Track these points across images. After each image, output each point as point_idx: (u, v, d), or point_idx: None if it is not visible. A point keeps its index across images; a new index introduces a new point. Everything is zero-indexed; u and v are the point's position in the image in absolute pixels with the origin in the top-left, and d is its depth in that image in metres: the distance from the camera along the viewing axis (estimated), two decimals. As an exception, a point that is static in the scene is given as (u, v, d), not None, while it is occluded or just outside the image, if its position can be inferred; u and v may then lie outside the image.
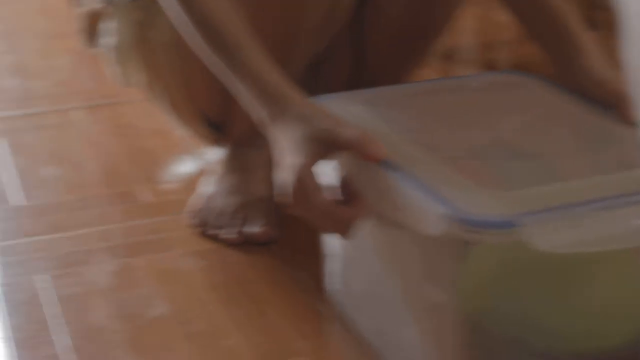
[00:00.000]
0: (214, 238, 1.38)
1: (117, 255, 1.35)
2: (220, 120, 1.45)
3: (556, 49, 1.23)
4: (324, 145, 1.02)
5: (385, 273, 1.08)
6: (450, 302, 0.96)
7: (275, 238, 1.36)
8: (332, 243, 1.19)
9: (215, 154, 1.50)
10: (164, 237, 1.39)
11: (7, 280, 1.28)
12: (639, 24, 0.59)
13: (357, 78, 1.49)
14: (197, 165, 1.61)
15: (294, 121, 1.04)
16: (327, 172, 1.06)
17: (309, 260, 1.30)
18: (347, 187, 1.05)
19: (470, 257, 0.98)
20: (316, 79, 1.48)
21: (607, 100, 1.14)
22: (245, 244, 1.36)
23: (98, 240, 1.40)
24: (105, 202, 1.50)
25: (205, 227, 1.39)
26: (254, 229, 1.37)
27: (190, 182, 1.54)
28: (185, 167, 1.62)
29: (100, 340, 1.16)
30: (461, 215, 0.91)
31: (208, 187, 1.43)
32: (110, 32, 1.46)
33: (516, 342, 0.98)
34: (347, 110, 1.13)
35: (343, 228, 1.03)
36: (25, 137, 1.73)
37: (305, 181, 1.01)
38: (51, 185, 1.55)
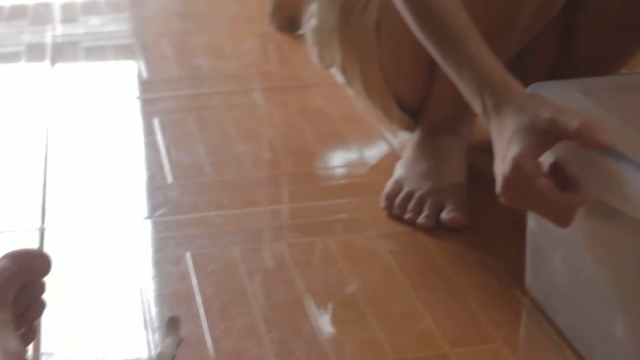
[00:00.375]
0: (406, 221, 1.37)
1: (307, 233, 1.35)
2: (415, 105, 1.45)
3: None
4: (546, 134, 1.01)
5: (596, 264, 1.05)
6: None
7: (467, 225, 1.34)
8: (533, 232, 1.17)
9: (407, 139, 1.49)
10: (356, 217, 1.39)
11: (198, 251, 1.30)
12: None
13: (560, 68, 1.46)
14: (387, 150, 1.60)
15: (516, 111, 1.04)
16: (545, 162, 1.04)
17: (502, 246, 1.29)
18: (567, 175, 1.03)
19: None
20: (523, 64, 1.46)
21: None
22: (436, 229, 1.35)
23: (289, 217, 1.41)
24: (295, 181, 1.51)
25: (397, 210, 1.38)
26: (446, 214, 1.35)
27: (382, 166, 1.53)
28: (375, 151, 1.61)
29: (292, 314, 1.17)
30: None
31: (401, 171, 1.43)
32: (313, 14, 1.47)
33: None
34: (564, 98, 1.10)
35: (564, 216, 1.00)
36: (215, 115, 1.76)
37: (524, 170, 1.00)
38: (242, 162, 1.57)
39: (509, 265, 1.25)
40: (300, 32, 1.55)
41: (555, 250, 1.12)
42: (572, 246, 1.09)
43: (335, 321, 1.16)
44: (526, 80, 1.45)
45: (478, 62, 1.10)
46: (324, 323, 1.16)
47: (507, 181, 1.02)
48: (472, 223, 1.35)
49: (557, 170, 1.04)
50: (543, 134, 1.01)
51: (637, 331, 0.99)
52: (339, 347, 1.11)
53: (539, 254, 1.16)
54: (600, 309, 1.04)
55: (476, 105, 1.10)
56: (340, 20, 1.45)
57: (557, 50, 1.47)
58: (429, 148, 1.43)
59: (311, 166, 1.57)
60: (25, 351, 0.98)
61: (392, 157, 1.52)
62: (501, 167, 1.03)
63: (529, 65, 1.47)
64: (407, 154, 1.46)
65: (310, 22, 1.49)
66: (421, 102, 1.44)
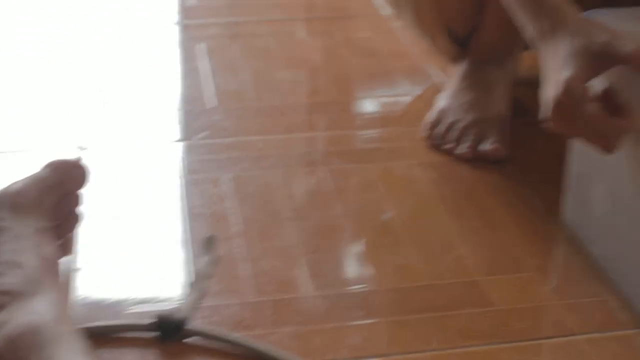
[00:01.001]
0: (446, 151, 1.37)
1: (349, 160, 1.36)
2: (464, 35, 1.44)
3: None
4: (600, 58, 1.00)
5: (636, 194, 1.05)
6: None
7: (507, 157, 1.35)
8: (575, 162, 1.17)
9: (454, 70, 1.49)
10: (397, 146, 1.40)
11: (239, 174, 1.32)
12: None
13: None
14: (430, 84, 1.60)
15: (570, 35, 1.03)
16: (596, 87, 1.04)
17: (541, 181, 1.29)
18: (616, 100, 1.03)
19: None
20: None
21: None
22: (476, 160, 1.35)
23: (330, 144, 1.41)
24: (340, 109, 1.52)
25: (438, 140, 1.39)
26: (487, 145, 1.35)
27: (424, 98, 1.53)
28: (419, 84, 1.61)
29: (329, 238, 1.18)
30: None
31: (445, 101, 1.43)
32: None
33: None
34: (619, 25, 1.09)
35: (610, 142, 1.00)
36: (259, 42, 1.76)
37: (574, 93, 0.99)
38: (285, 89, 1.58)
39: (546, 199, 1.25)
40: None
41: (596, 181, 1.12)
42: (614, 177, 1.09)
43: (371, 246, 1.18)
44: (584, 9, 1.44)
45: None
46: (360, 247, 1.17)
47: (557, 103, 1.01)
48: (512, 156, 1.35)
49: (608, 96, 1.03)
50: (597, 58, 1.01)
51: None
52: (374, 271, 1.13)
53: (579, 184, 1.16)
54: (637, 239, 1.04)
55: (532, 28, 1.08)
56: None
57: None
58: (474, 79, 1.43)
59: (353, 95, 1.57)
60: (59, 258, 1.00)
61: (434, 91, 1.52)
62: (551, 90, 1.02)
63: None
64: (451, 84, 1.45)
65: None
66: (470, 32, 1.43)
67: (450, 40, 1.44)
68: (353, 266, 1.14)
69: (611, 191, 1.10)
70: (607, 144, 1.00)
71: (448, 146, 1.37)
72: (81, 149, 1.36)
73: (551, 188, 1.24)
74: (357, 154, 1.38)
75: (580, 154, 1.15)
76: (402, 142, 1.41)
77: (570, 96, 1.00)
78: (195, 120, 1.47)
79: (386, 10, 1.53)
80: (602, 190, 1.11)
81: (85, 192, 1.06)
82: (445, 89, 1.46)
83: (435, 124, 1.40)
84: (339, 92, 1.57)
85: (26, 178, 1.02)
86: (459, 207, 1.25)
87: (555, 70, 1.03)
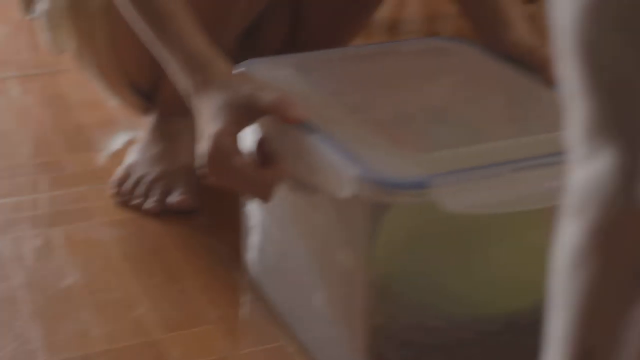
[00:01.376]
0: (134, 207, 1.33)
1: (38, 225, 1.30)
2: (148, 88, 1.41)
3: (485, 25, 1.21)
4: (245, 110, 1.00)
5: (299, 239, 1.05)
6: (361, 267, 0.93)
7: (196, 207, 1.32)
8: (251, 212, 1.15)
9: (144, 123, 1.45)
10: (86, 206, 1.35)
11: None
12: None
13: (295, 39, 1.45)
14: (127, 136, 1.56)
15: (216, 89, 1.03)
16: (247, 138, 1.03)
17: (229, 230, 1.27)
18: (265, 151, 1.03)
19: (383, 221, 0.94)
20: (255, 39, 1.45)
21: (533, 66, 1.13)
22: (165, 213, 1.32)
23: (15, 210, 1.35)
24: (32, 172, 1.45)
25: (126, 197, 1.35)
26: (174, 197, 1.32)
27: (120, 153, 1.49)
28: (115, 137, 1.57)
29: (8, 310, 1.12)
30: (371, 176, 0.88)
31: (134, 156, 1.39)
32: (42, -2, 1.41)
33: (423, 307, 0.94)
34: (274, 74, 1.10)
35: (263, 191, 1.00)
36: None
37: (223, 147, 0.99)
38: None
39: (233, 248, 1.23)
40: (29, 17, 1.49)
41: (266, 228, 1.12)
42: (279, 223, 1.08)
43: (48, 315, 1.12)
44: (265, 51, 1.45)
45: (185, 43, 1.08)
46: (36, 318, 1.11)
47: (209, 158, 1.00)
48: (202, 207, 1.33)
49: (260, 147, 1.03)
50: (242, 110, 1.01)
51: (330, 303, 0.99)
52: (48, 342, 1.07)
53: (256, 232, 1.15)
54: (303, 284, 1.04)
55: (184, 85, 1.08)
56: (71, 3, 1.40)
57: (289, 25, 1.46)
58: (161, 131, 1.40)
59: (46, 156, 1.50)
60: None
61: (131, 144, 1.48)
62: (201, 146, 1.02)
63: (262, 40, 1.45)
64: (141, 138, 1.42)
65: (40, 5, 1.43)
66: (155, 84, 1.41)
67: (135, 93, 1.41)
68: (27, 339, 1.08)
69: (277, 237, 1.09)
70: (261, 193, 1.00)
71: (136, 202, 1.34)
72: None
73: (238, 237, 1.22)
74: (45, 218, 1.32)
75: (254, 203, 1.14)
76: (90, 202, 1.36)
77: (219, 150, 0.99)
78: None
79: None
80: (271, 237, 1.10)
81: None
82: (136, 143, 1.43)
83: (124, 179, 1.36)
84: (29, 155, 1.51)
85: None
86: (144, 265, 1.21)
87: (206, 124, 1.02)
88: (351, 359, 0.96)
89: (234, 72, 1.07)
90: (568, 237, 0.64)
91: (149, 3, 1.11)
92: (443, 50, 1.22)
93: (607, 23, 0.57)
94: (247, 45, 1.43)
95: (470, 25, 1.24)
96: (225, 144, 0.99)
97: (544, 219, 0.91)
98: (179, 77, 1.08)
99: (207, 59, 1.06)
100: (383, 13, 2.06)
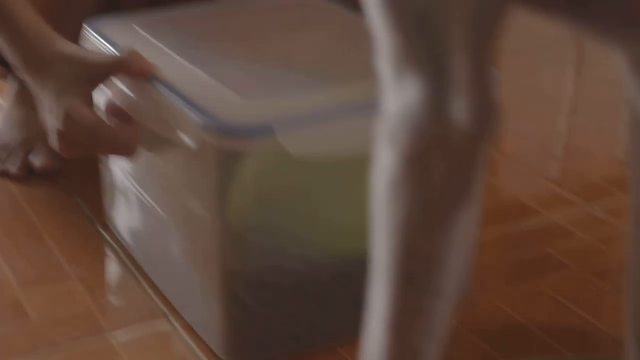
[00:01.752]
0: (1, 174, 1.34)
1: None
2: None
3: None
4: (92, 77, 1.01)
5: (155, 192, 1.07)
6: (214, 215, 0.95)
7: (59, 169, 1.33)
8: (111, 169, 1.17)
9: (6, 89, 1.45)
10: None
11: None
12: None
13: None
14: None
15: (55, 63, 1.02)
16: (99, 100, 1.04)
17: (93, 189, 1.27)
18: (119, 110, 1.04)
19: (235, 170, 0.97)
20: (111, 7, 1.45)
21: None
22: (31, 177, 1.32)
23: None
24: None
25: (-8, 165, 1.35)
26: (38, 161, 1.33)
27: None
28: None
29: None
30: (217, 124, 0.91)
31: (-1, 124, 1.39)
32: None
33: (277, 251, 0.97)
34: (125, 31, 1.11)
35: (126, 150, 1.01)
36: None
37: (84, 121, 0.99)
38: None
39: (96, 205, 1.24)
40: None
41: (125, 183, 1.13)
42: (136, 177, 1.10)
43: None
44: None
45: (18, 18, 1.06)
46: None
47: (63, 135, 1.01)
48: (66, 168, 1.34)
49: (112, 107, 1.04)
50: (90, 79, 1.01)
51: (186, 252, 1.02)
52: None
53: (115, 189, 1.17)
54: (162, 235, 1.06)
55: (18, 61, 1.06)
56: None
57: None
58: (23, 97, 1.39)
59: None
60: None
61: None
62: (53, 122, 1.01)
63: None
64: (4, 104, 1.42)
65: None
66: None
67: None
68: None
69: (137, 192, 1.11)
70: (125, 152, 1.01)
71: (1, 167, 1.34)
72: None
73: (100, 197, 1.24)
74: None
75: (113, 160, 1.16)
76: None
77: (75, 127, 0.99)
78: None
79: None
80: (131, 192, 1.13)
81: None
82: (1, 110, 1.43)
83: (-11, 146, 1.36)
84: None
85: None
86: (7, 226, 1.22)
87: (51, 100, 1.01)
88: (209, 304, 0.99)
89: (70, 44, 1.05)
90: (384, 166, 0.67)
91: None
92: (297, 4, 1.24)
93: None
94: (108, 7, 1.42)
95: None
96: (83, 118, 0.99)
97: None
98: (13, 54, 1.06)
99: (42, 32, 1.05)
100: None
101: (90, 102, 1.01)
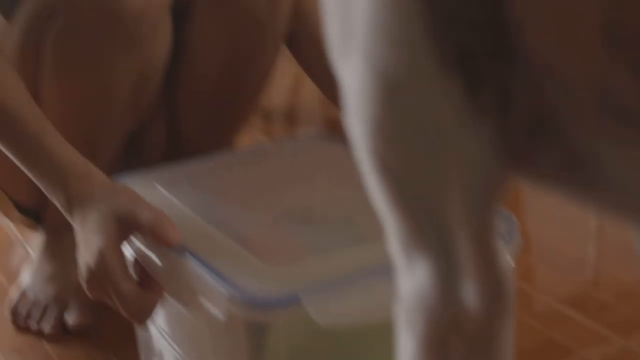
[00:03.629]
0: (34, 332, 1.33)
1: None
2: (34, 206, 1.41)
3: None
4: (126, 225, 1.01)
5: (189, 355, 1.06)
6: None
7: (93, 326, 1.32)
8: (145, 326, 1.16)
9: (36, 241, 1.45)
10: (-18, 334, 1.34)
11: None
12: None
13: (174, 147, 1.46)
14: (23, 254, 1.56)
15: (95, 201, 1.03)
16: (126, 255, 1.04)
17: (127, 345, 1.26)
18: (143, 270, 1.03)
19: (266, 338, 0.96)
20: (135, 149, 1.46)
21: None
22: (64, 334, 1.31)
23: None
24: None
25: (24, 320, 1.34)
26: (70, 318, 1.32)
27: (16, 273, 1.48)
28: (11, 256, 1.57)
29: None
30: (243, 296, 0.90)
31: (27, 277, 1.39)
32: None
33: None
34: (145, 189, 1.11)
35: (139, 314, 1.00)
36: None
37: (110, 264, 0.99)
38: None
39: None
40: None
41: (160, 342, 1.12)
42: (170, 337, 1.09)
43: None
44: (145, 162, 1.45)
45: (58, 157, 1.07)
46: None
47: (91, 273, 1.01)
48: (98, 323, 1.33)
49: (138, 267, 1.04)
50: (124, 224, 1.01)
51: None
52: None
53: (149, 346, 1.16)
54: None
55: (59, 200, 1.07)
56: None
57: (168, 135, 1.46)
58: (52, 250, 1.39)
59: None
60: None
61: (27, 262, 1.47)
62: (85, 257, 1.02)
63: (145, 154, 1.46)
64: (34, 258, 1.42)
65: None
66: (39, 201, 1.41)
67: (22, 212, 1.41)
68: None
69: (172, 351, 1.10)
70: (137, 315, 1.00)
71: (33, 326, 1.33)
72: None
73: (136, 350, 1.22)
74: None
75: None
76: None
77: (102, 267, 0.99)
78: None
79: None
80: (166, 351, 1.11)
81: None
82: (30, 262, 1.42)
83: (19, 302, 1.36)
84: None
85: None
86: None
87: (87, 236, 1.02)
88: None
89: (111, 183, 1.07)
90: (405, 350, 0.65)
91: (13, 122, 1.10)
92: (314, 150, 1.24)
93: (396, 139, 0.59)
94: (129, 157, 1.43)
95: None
96: (110, 261, 0.99)
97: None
98: (53, 192, 1.07)
99: (84, 170, 1.06)
100: (279, 101, 2.09)
101: (119, 246, 1.01)
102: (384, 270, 0.91)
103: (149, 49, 1.26)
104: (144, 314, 1.00)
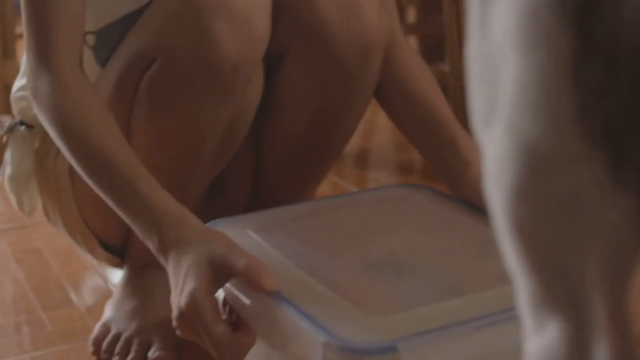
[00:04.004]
0: (114, 365, 1.35)
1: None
2: (118, 244, 1.44)
3: (442, 166, 1.24)
4: (219, 269, 1.02)
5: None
6: None
7: (175, 361, 1.34)
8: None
9: (118, 277, 1.48)
10: (62, 369, 1.36)
11: None
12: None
13: (258, 192, 1.48)
14: (103, 288, 1.58)
15: (190, 246, 1.04)
16: (219, 299, 1.05)
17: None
18: (236, 314, 1.04)
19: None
20: (219, 192, 1.48)
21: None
22: (146, 370, 1.33)
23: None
24: (11, 332, 1.46)
25: (105, 355, 1.36)
26: (152, 354, 1.34)
27: (97, 306, 1.51)
28: (91, 290, 1.59)
29: None
30: (339, 343, 0.91)
31: (110, 312, 1.41)
32: (7, 161, 1.45)
33: None
34: (236, 234, 1.13)
35: (233, 356, 1.01)
36: None
37: (202, 307, 1.00)
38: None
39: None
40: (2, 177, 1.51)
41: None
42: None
43: None
44: (228, 206, 1.47)
45: (153, 202, 1.10)
46: None
47: (183, 315, 1.02)
48: (182, 358, 1.34)
49: (230, 310, 1.05)
50: (217, 270, 1.03)
51: None
52: None
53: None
54: None
55: (153, 243, 1.09)
56: (36, 165, 1.44)
57: (252, 181, 1.48)
58: (135, 286, 1.42)
59: (25, 315, 1.52)
60: None
61: (107, 297, 1.50)
62: (177, 299, 1.03)
63: (229, 197, 1.48)
64: (116, 293, 1.44)
65: (5, 169, 1.46)
66: (124, 240, 1.44)
67: (106, 249, 1.44)
68: None
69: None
70: (229, 358, 1.01)
71: (116, 359, 1.35)
72: None
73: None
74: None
75: None
76: (69, 362, 1.37)
77: (194, 309, 1.00)
78: None
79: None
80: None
81: None
82: (112, 297, 1.45)
83: (101, 337, 1.38)
84: (9, 314, 1.52)
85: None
86: None
87: (179, 279, 1.04)
88: None
89: (207, 228, 1.08)
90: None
91: (109, 170, 1.13)
92: (400, 199, 1.25)
93: (537, 206, 0.61)
94: (212, 203, 1.45)
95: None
96: (202, 303, 1.00)
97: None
98: (147, 236, 1.10)
99: (179, 215, 1.08)
100: (351, 144, 2.10)
101: (213, 291, 1.02)
102: (481, 323, 0.93)
103: (242, 99, 1.29)
104: (237, 357, 1.01)
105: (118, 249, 1.45)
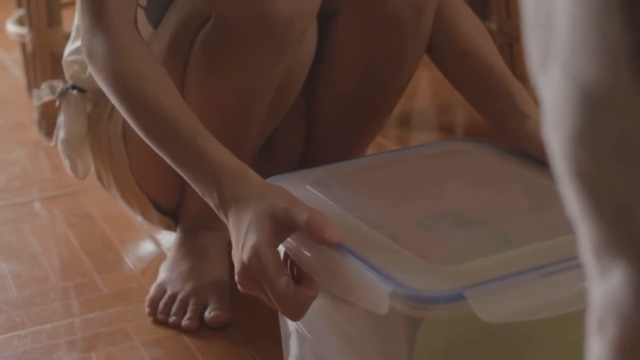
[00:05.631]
0: (171, 325, 1.36)
1: (75, 350, 1.33)
2: (171, 206, 1.45)
3: (497, 119, 1.23)
4: (283, 224, 1.01)
5: (336, 351, 1.07)
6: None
7: (230, 321, 1.35)
8: (288, 323, 1.18)
9: (171, 238, 1.49)
10: (122, 327, 1.37)
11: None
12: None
13: (308, 152, 1.48)
14: (156, 250, 1.59)
15: (254, 199, 1.03)
16: (281, 253, 1.05)
17: (265, 341, 1.29)
18: (299, 268, 1.04)
19: (422, 332, 0.97)
20: (269, 151, 1.48)
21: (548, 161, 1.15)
22: (201, 329, 1.34)
23: (56, 336, 1.37)
24: (64, 296, 1.48)
25: (162, 315, 1.37)
26: (209, 313, 1.35)
27: (150, 268, 1.52)
28: (144, 252, 1.60)
29: None
30: (406, 292, 0.91)
31: (164, 273, 1.42)
32: (60, 125, 1.46)
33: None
34: (295, 190, 1.12)
35: (295, 310, 1.01)
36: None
37: (265, 260, 0.99)
38: (6, 282, 1.53)
39: (272, 358, 1.25)
40: (52, 144, 1.53)
41: (303, 337, 1.14)
42: (315, 333, 1.11)
43: None
44: (279, 164, 1.48)
45: (213, 158, 1.09)
46: None
47: (245, 269, 1.01)
48: (236, 319, 1.35)
49: (292, 264, 1.05)
50: (279, 224, 1.01)
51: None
52: None
53: (291, 342, 1.18)
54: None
55: (213, 198, 1.08)
56: (89, 129, 1.45)
57: (304, 139, 1.49)
58: (189, 247, 1.43)
59: (77, 278, 1.53)
60: None
61: (160, 259, 1.51)
62: (239, 254, 1.03)
63: (279, 156, 1.49)
64: (169, 255, 1.45)
65: (59, 133, 1.47)
66: (177, 202, 1.44)
67: (160, 211, 1.45)
68: None
69: (316, 348, 1.11)
70: (292, 312, 1.01)
71: (172, 319, 1.36)
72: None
73: (275, 348, 1.25)
74: (82, 343, 1.34)
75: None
76: (127, 322, 1.38)
77: (257, 263, 1.00)
78: None
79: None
80: (309, 347, 1.13)
81: None
82: (166, 259, 1.46)
83: (157, 297, 1.39)
84: (61, 277, 1.54)
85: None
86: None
87: (241, 234, 1.03)
88: None
89: (267, 183, 1.08)
90: (594, 355, 0.66)
91: (167, 127, 1.12)
92: (459, 152, 1.25)
93: (597, 149, 0.60)
94: (261, 164, 1.46)
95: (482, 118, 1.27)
96: (265, 257, 0.99)
97: (579, 317, 0.94)
98: (207, 191, 1.09)
99: (239, 170, 1.07)
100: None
101: (275, 245, 1.01)
102: (546, 271, 0.94)
103: (295, 55, 1.29)
104: (300, 310, 1.01)
105: (171, 211, 1.46)
